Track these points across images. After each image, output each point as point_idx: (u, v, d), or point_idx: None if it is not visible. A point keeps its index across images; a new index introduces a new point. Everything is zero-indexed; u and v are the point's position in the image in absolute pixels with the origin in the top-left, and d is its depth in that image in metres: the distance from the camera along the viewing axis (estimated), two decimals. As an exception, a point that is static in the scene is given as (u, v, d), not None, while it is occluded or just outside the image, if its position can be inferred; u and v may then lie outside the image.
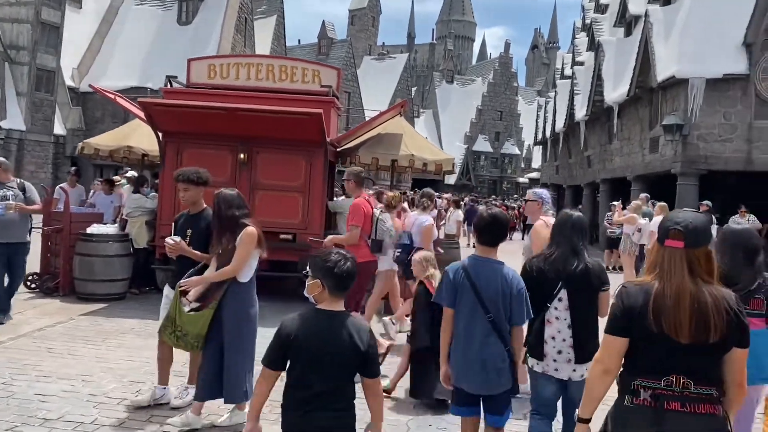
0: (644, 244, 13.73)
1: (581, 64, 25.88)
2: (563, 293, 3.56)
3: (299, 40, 49.03)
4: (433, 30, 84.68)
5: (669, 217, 2.38)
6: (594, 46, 24.84)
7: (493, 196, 46.67)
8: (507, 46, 65.43)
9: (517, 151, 64.44)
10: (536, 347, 3.62)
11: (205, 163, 9.56)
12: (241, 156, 9.03)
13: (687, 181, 15.73)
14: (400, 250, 7.01)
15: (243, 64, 10.22)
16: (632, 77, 18.21)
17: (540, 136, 36.31)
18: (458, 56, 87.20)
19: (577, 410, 2.69)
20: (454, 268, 3.52)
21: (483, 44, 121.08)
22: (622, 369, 2.39)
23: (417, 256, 5.39)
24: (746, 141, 15.19)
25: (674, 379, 2.26)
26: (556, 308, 3.57)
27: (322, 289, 2.64)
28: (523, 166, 64.46)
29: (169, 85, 9.73)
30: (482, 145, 61.90)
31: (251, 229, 4.29)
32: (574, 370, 3.55)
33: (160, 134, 9.26)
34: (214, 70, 10.16)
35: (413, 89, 53.94)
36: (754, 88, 15.08)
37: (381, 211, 6.41)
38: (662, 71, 16.17)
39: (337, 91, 10.24)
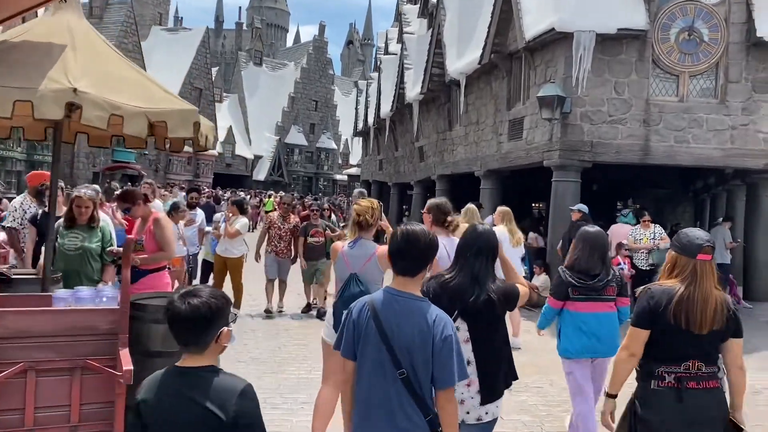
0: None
1: (411, 33, 21.26)
2: (461, 323, 3.09)
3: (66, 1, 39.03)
4: (240, 10, 76.96)
5: (695, 235, 2.93)
6: (427, 11, 20.35)
7: (311, 195, 41.54)
8: (322, 28, 60.17)
9: (334, 146, 59.80)
10: None
11: None
12: None
13: (565, 176, 11.40)
14: None
15: None
16: (486, 39, 13.68)
17: (361, 125, 31.37)
18: (270, 45, 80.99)
19: (604, 387, 3.09)
20: (359, 305, 2.58)
21: (297, 35, 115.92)
22: (643, 360, 2.96)
23: None
24: (643, 123, 11.21)
25: (691, 364, 2.88)
26: None
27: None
28: (340, 162, 59.96)
29: None
30: (296, 137, 56.30)
31: None
32: (487, 413, 3.10)
33: None
34: None
35: (214, 69, 46.46)
36: (652, 51, 11.17)
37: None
38: (532, 26, 11.74)
39: None
